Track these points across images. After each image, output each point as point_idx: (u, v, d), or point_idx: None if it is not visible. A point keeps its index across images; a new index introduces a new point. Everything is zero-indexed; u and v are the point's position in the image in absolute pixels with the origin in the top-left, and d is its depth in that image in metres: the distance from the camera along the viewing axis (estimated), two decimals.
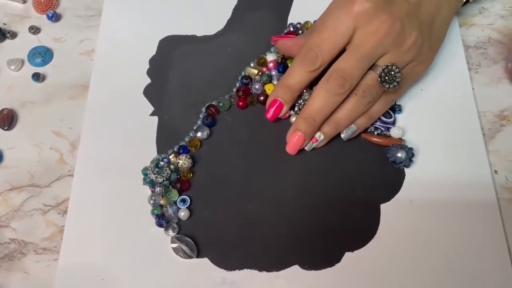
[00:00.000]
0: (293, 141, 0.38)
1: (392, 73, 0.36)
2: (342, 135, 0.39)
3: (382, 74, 0.36)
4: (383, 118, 0.40)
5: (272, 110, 0.39)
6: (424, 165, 0.39)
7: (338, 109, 0.37)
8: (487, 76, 0.44)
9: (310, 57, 0.37)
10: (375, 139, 0.40)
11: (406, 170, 0.39)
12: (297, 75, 0.38)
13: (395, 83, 0.36)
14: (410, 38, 0.36)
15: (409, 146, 0.39)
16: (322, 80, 0.37)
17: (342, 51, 0.37)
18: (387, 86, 0.36)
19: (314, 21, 0.44)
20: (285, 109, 0.39)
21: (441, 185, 0.39)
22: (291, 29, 0.45)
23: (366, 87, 0.37)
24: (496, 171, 0.39)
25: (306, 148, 0.38)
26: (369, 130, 0.40)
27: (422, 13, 0.37)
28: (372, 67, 0.37)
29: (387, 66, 0.36)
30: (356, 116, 0.38)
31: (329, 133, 0.38)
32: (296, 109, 0.40)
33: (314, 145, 0.38)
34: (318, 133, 0.38)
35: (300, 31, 0.44)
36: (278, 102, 0.38)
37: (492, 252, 0.36)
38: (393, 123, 0.40)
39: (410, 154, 0.38)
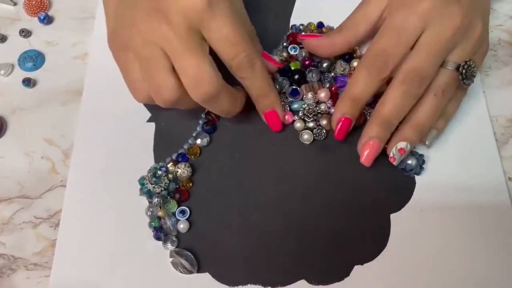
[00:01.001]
0: (368, 151, 0.35)
1: (470, 68, 0.34)
2: (427, 143, 0.36)
3: (463, 71, 0.34)
4: None
5: (338, 127, 0.36)
6: (435, 173, 0.38)
7: (418, 112, 0.35)
8: (498, 79, 0.42)
9: (379, 64, 0.34)
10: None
11: (417, 178, 0.37)
12: (365, 85, 0.35)
13: (473, 78, 0.35)
14: (477, 30, 0.35)
15: (420, 152, 0.37)
16: (396, 81, 0.34)
17: None
18: (467, 82, 0.35)
19: (318, 23, 0.43)
20: (352, 124, 0.36)
21: (453, 193, 0.37)
22: (294, 30, 0.43)
23: (445, 86, 0.35)
24: (510, 178, 0.38)
25: (395, 163, 0.35)
26: None
27: (480, 0, 0.36)
28: (442, 63, 0.35)
29: (466, 62, 0.34)
30: (437, 118, 0.36)
31: (415, 140, 0.35)
32: (300, 114, 0.38)
33: (402, 157, 0.35)
34: (405, 143, 0.35)
35: (303, 33, 0.43)
36: (346, 119, 0.35)
37: (509, 261, 0.35)
38: None
39: (421, 161, 0.37)
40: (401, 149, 0.35)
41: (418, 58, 0.34)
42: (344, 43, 0.38)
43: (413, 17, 0.34)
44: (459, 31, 0.34)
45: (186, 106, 0.34)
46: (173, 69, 0.31)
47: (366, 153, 0.35)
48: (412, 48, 0.34)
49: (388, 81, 0.36)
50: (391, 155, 0.35)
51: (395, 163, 0.36)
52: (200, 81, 0.30)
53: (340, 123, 0.36)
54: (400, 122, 0.36)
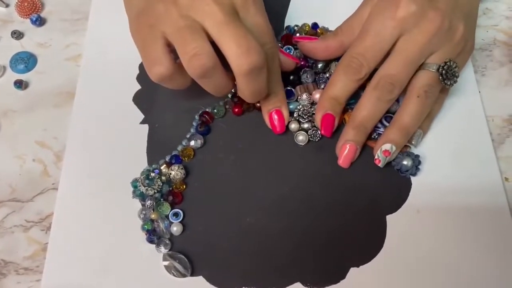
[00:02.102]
0: (345, 153, 0.36)
1: (451, 69, 0.35)
2: (413, 142, 0.37)
3: (443, 72, 0.35)
4: (386, 124, 0.38)
5: (323, 125, 0.37)
6: (431, 173, 0.37)
7: (403, 115, 0.36)
8: (494, 79, 0.42)
9: (355, 65, 0.35)
10: (371, 144, 0.38)
11: (413, 178, 0.37)
12: (342, 85, 0.36)
13: (455, 79, 0.35)
14: (458, 31, 0.35)
15: (415, 153, 0.37)
16: (370, 87, 0.35)
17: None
18: (448, 83, 0.35)
19: (312, 24, 0.43)
20: (336, 121, 0.37)
21: (449, 194, 0.37)
22: (288, 31, 0.43)
23: (428, 87, 0.35)
24: (507, 179, 0.37)
25: (380, 164, 0.36)
26: (372, 136, 0.38)
27: (454, 1, 0.36)
28: (422, 65, 0.35)
29: (446, 63, 0.35)
30: (423, 119, 0.37)
31: (401, 142, 0.36)
32: (295, 115, 0.38)
33: (387, 159, 0.36)
34: (389, 145, 0.35)
35: (298, 34, 0.42)
36: (329, 115, 0.36)
37: (506, 263, 0.34)
38: None
39: (417, 162, 0.36)
40: (385, 151, 0.35)
41: (392, 64, 0.35)
42: (339, 47, 0.38)
43: (389, 23, 0.34)
44: (436, 36, 0.34)
45: (213, 81, 0.33)
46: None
47: (343, 156, 0.36)
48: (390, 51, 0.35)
49: None
50: (376, 157, 0.36)
51: (380, 165, 0.36)
52: (250, 49, 0.30)
53: (323, 120, 0.36)
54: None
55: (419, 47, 0.34)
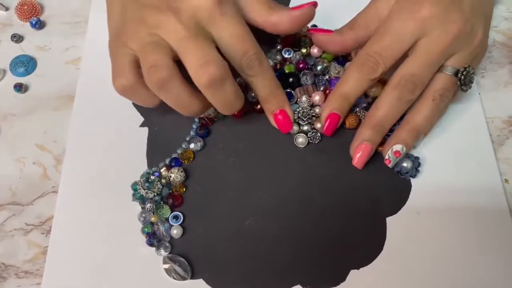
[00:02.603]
0: (360, 153, 0.36)
1: (469, 74, 0.35)
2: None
3: (462, 77, 0.34)
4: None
5: (327, 123, 0.36)
6: (431, 175, 0.37)
7: (416, 116, 0.35)
8: (494, 80, 0.42)
9: (371, 64, 0.34)
10: (379, 148, 0.37)
11: (413, 180, 0.37)
12: (355, 82, 0.35)
13: (471, 84, 0.35)
14: (478, 36, 0.35)
15: (415, 155, 0.37)
16: (390, 86, 0.35)
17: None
18: (465, 88, 0.35)
19: (312, 26, 0.42)
20: (341, 121, 0.36)
21: (449, 195, 0.37)
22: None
23: (443, 91, 0.35)
24: (507, 180, 0.37)
25: (390, 165, 0.36)
26: None
27: (477, 4, 0.36)
28: (439, 68, 0.35)
29: (466, 68, 0.34)
30: (435, 123, 0.36)
31: (411, 143, 0.36)
32: (295, 117, 0.38)
33: (397, 159, 0.36)
34: (400, 146, 0.35)
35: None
36: (335, 114, 0.36)
37: (506, 265, 0.34)
38: None
39: (416, 164, 0.36)
40: (396, 152, 0.35)
41: (414, 64, 0.34)
42: (355, 41, 0.37)
43: (411, 23, 0.34)
44: (458, 39, 0.34)
45: (173, 95, 0.32)
46: (172, 57, 0.31)
47: (358, 156, 0.36)
48: (408, 52, 0.35)
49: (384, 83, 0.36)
50: (386, 157, 0.36)
51: (390, 165, 0.36)
52: (208, 62, 0.30)
53: (329, 119, 0.36)
54: (395, 124, 0.36)
55: (442, 49, 0.34)
